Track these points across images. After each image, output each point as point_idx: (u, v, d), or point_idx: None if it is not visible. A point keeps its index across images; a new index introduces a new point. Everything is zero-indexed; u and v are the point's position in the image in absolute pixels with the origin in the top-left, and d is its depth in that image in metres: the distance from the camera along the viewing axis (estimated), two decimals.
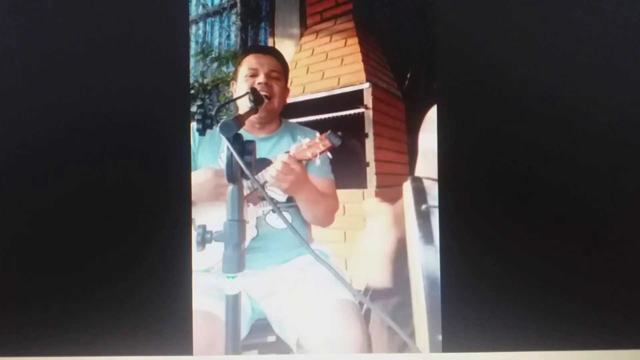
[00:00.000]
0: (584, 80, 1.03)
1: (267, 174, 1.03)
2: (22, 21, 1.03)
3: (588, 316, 1.01)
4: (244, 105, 1.05)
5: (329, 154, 1.06)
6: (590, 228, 1.02)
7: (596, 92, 1.03)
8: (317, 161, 1.05)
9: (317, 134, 1.06)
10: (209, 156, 1.07)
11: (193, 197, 1.03)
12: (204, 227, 0.90)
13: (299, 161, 1.03)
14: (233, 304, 0.88)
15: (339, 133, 1.05)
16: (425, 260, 1.01)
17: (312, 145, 1.04)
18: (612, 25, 1.04)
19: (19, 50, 1.03)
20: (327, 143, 1.04)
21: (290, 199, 1.07)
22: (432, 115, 1.04)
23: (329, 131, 1.05)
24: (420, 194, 1.03)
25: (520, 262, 1.02)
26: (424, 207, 1.02)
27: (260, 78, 1.07)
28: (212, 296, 0.99)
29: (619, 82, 1.04)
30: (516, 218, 1.02)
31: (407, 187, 1.04)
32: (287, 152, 1.04)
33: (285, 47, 1.12)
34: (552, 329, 1.01)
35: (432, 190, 1.02)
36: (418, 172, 1.05)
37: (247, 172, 0.86)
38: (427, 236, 1.02)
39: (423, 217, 1.02)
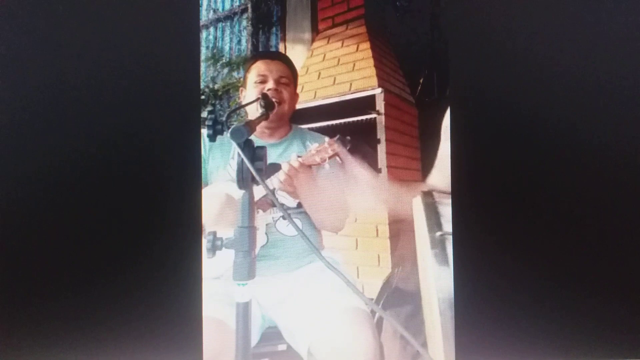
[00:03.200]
0: (598, 84, 1.02)
1: (275, 179, 1.02)
2: (31, 26, 1.03)
3: (600, 327, 0.99)
4: (253, 111, 1.04)
5: (338, 159, 1.05)
6: (606, 239, 1.00)
7: (612, 95, 1.02)
8: (327, 166, 1.04)
9: (326, 139, 1.06)
10: (219, 162, 1.06)
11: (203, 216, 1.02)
12: (214, 233, 0.89)
13: (308, 166, 1.02)
14: (243, 311, 0.87)
15: (348, 137, 1.04)
16: (439, 283, 0.99)
17: (321, 150, 1.03)
18: (631, 25, 1.02)
19: (28, 56, 1.03)
20: (336, 148, 1.03)
21: (300, 205, 1.06)
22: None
23: (338, 136, 1.05)
24: (432, 214, 1.01)
25: (533, 272, 1.00)
26: (438, 234, 1.00)
27: (270, 84, 1.06)
28: (222, 303, 0.98)
29: (633, 85, 1.02)
30: (530, 227, 1.01)
31: (418, 203, 1.03)
32: (299, 156, 1.03)
33: (297, 52, 1.12)
34: (565, 339, 0.99)
35: (444, 209, 1.01)
36: (431, 179, 1.03)
37: (257, 178, 0.86)
38: (441, 260, 1.00)
39: (439, 245, 1.00)
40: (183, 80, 1.04)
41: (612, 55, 1.02)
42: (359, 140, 1.06)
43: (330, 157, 1.03)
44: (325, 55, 1.11)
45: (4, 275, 1.00)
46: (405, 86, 1.08)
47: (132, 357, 0.99)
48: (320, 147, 1.04)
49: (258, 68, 1.08)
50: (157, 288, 1.00)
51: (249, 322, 0.88)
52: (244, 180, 0.88)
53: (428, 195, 1.03)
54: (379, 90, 1.07)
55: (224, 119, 0.98)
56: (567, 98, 1.02)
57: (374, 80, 1.07)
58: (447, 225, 1.01)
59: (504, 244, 1.01)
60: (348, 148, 1.04)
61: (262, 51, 1.12)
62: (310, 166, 1.03)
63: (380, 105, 1.08)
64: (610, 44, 1.02)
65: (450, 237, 1.00)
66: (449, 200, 1.01)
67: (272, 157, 1.06)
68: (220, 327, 0.96)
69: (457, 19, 1.03)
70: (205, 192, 1.03)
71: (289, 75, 1.09)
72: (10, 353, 1.00)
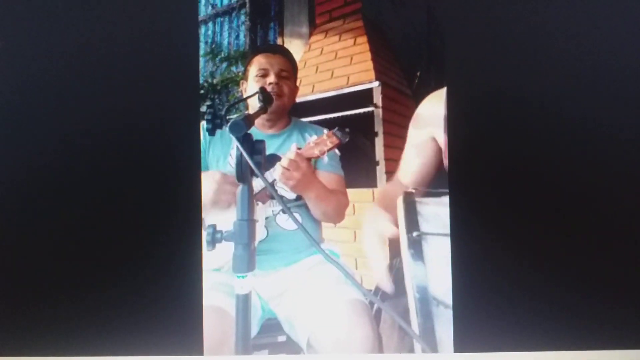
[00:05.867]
0: (595, 76, 1.02)
1: (275, 172, 1.03)
2: (31, 20, 1.04)
3: (602, 315, 1.00)
4: (254, 104, 1.05)
5: (337, 151, 1.06)
6: (605, 224, 1.01)
7: (607, 86, 1.02)
8: (325, 158, 1.05)
9: (325, 131, 1.06)
10: (219, 156, 1.07)
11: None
12: (214, 226, 0.90)
13: (307, 159, 1.03)
14: (243, 303, 0.88)
15: (347, 129, 1.05)
16: (414, 282, 0.99)
17: (320, 143, 1.03)
18: (624, 23, 1.03)
19: (27, 50, 1.03)
20: (335, 140, 1.04)
21: (299, 197, 1.07)
22: (422, 111, 1.03)
23: (336, 128, 1.05)
24: (411, 214, 1.01)
25: (533, 261, 1.01)
26: (415, 234, 1.00)
27: (271, 78, 1.07)
28: (223, 292, 0.99)
29: (630, 77, 1.02)
30: (528, 215, 1.01)
31: (400, 204, 1.02)
32: (298, 148, 1.04)
33: (295, 46, 1.12)
34: (566, 328, 1.00)
35: (424, 208, 1.00)
36: (402, 168, 1.04)
37: (256, 171, 0.87)
38: (417, 257, 0.99)
39: (414, 245, 0.99)
40: (182, 75, 1.05)
41: (616, 45, 1.02)
42: (357, 133, 1.07)
43: (329, 149, 1.04)
44: (322, 49, 1.12)
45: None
46: (402, 79, 1.09)
47: (131, 350, 1.00)
48: (319, 140, 1.04)
49: (259, 62, 1.09)
50: (156, 281, 1.01)
51: (249, 314, 0.89)
52: (243, 173, 0.89)
53: (409, 195, 1.02)
54: (377, 83, 1.08)
55: (222, 113, 0.99)
56: (568, 89, 1.02)
57: (372, 74, 1.08)
58: (426, 225, 1.00)
59: (502, 236, 1.01)
60: (347, 140, 1.05)
61: (263, 45, 1.13)
62: (309, 159, 1.04)
63: (377, 98, 1.08)
64: (613, 34, 1.03)
65: (427, 236, 1.00)
66: (430, 200, 1.01)
67: (271, 148, 1.07)
68: (220, 316, 0.97)
69: (453, 10, 1.03)
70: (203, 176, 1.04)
71: (289, 69, 1.09)
72: (8, 343, 1.01)
